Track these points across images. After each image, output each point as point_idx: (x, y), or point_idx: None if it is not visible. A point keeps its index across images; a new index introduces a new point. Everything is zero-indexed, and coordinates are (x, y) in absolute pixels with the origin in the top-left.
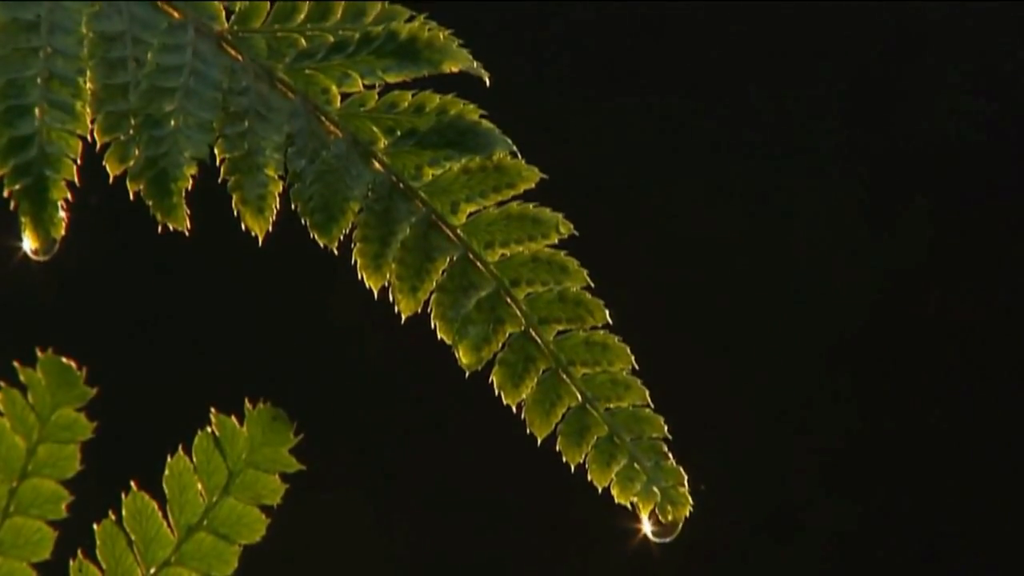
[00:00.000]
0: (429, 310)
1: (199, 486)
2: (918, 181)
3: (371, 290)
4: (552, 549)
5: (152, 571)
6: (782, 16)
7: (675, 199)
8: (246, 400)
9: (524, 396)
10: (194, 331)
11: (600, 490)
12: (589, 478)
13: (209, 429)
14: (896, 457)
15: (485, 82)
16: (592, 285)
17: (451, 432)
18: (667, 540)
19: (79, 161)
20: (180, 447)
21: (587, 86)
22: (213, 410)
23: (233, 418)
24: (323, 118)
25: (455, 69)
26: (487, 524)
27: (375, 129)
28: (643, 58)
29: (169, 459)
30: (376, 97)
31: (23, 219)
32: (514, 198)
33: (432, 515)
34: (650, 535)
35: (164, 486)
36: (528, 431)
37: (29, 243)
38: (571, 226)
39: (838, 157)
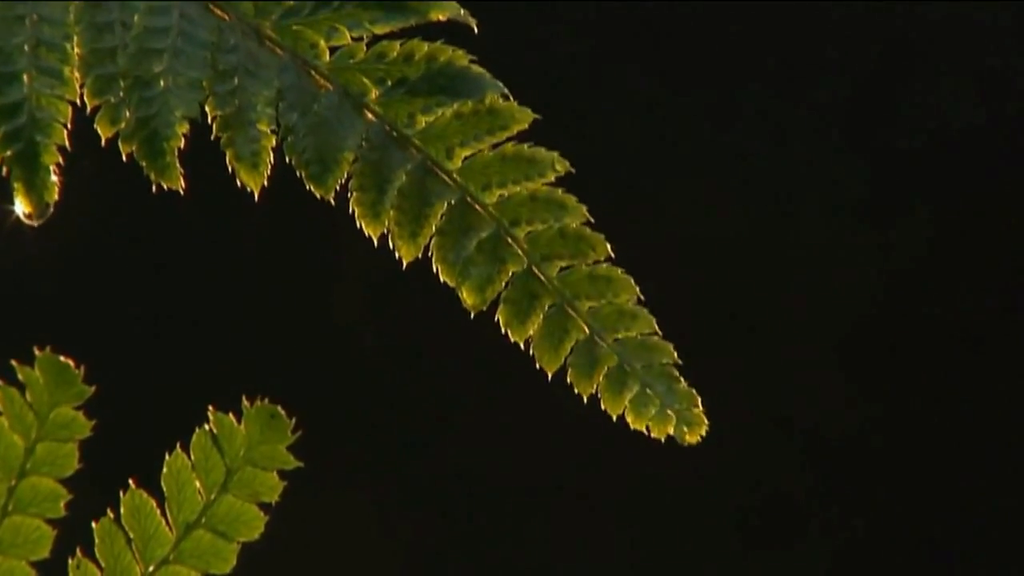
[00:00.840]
0: (430, 254)
1: (197, 484)
2: (918, 181)
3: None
4: (551, 549)
5: (151, 569)
6: (782, 16)
7: (673, 198)
8: (243, 398)
9: (531, 333)
10: (193, 329)
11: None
12: (602, 407)
13: (207, 427)
14: (896, 456)
15: (473, 29)
16: (592, 221)
17: (451, 431)
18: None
19: (69, 125)
20: (178, 445)
21: (587, 84)
22: (211, 408)
23: (231, 416)
24: (313, 72)
25: (442, 18)
26: (487, 524)
27: (365, 80)
28: (643, 57)
29: (167, 457)
30: (365, 49)
31: (15, 185)
32: (508, 140)
33: (432, 514)
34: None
35: (162, 484)
36: (529, 433)
37: (22, 207)
38: (567, 164)
39: (838, 157)
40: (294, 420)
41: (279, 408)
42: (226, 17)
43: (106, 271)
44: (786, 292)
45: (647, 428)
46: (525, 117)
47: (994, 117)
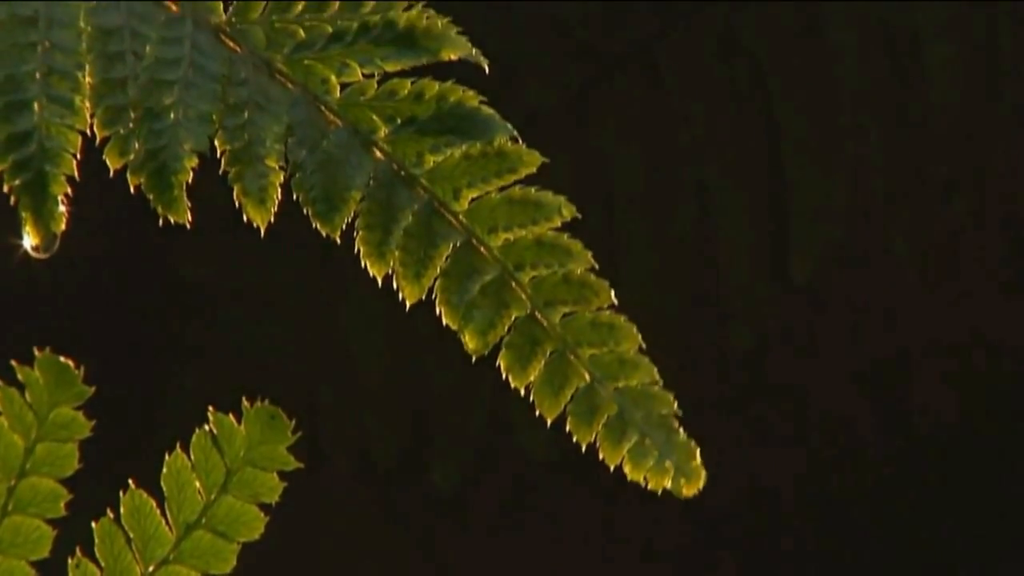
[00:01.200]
0: (434, 296)
1: (197, 484)
2: (920, 179)
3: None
4: (548, 550)
5: (151, 569)
6: (781, 15)
7: (671, 196)
8: (244, 399)
9: (532, 378)
10: (193, 330)
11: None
12: (600, 457)
13: (207, 427)
14: (896, 458)
15: (484, 69)
16: (596, 267)
17: (450, 432)
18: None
19: (79, 156)
20: (178, 445)
21: (586, 79)
22: (211, 408)
23: (231, 416)
24: (323, 108)
25: (454, 57)
26: (484, 524)
27: (375, 118)
28: (641, 54)
29: (167, 457)
30: (375, 86)
31: (23, 215)
32: (516, 183)
33: (431, 513)
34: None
35: (162, 484)
36: (524, 434)
37: (29, 240)
38: (573, 209)
39: (838, 157)
40: (294, 422)
41: (279, 409)
42: (238, 49)
43: (107, 272)
44: (784, 291)
45: (644, 479)
46: (533, 160)
47: (994, 116)
